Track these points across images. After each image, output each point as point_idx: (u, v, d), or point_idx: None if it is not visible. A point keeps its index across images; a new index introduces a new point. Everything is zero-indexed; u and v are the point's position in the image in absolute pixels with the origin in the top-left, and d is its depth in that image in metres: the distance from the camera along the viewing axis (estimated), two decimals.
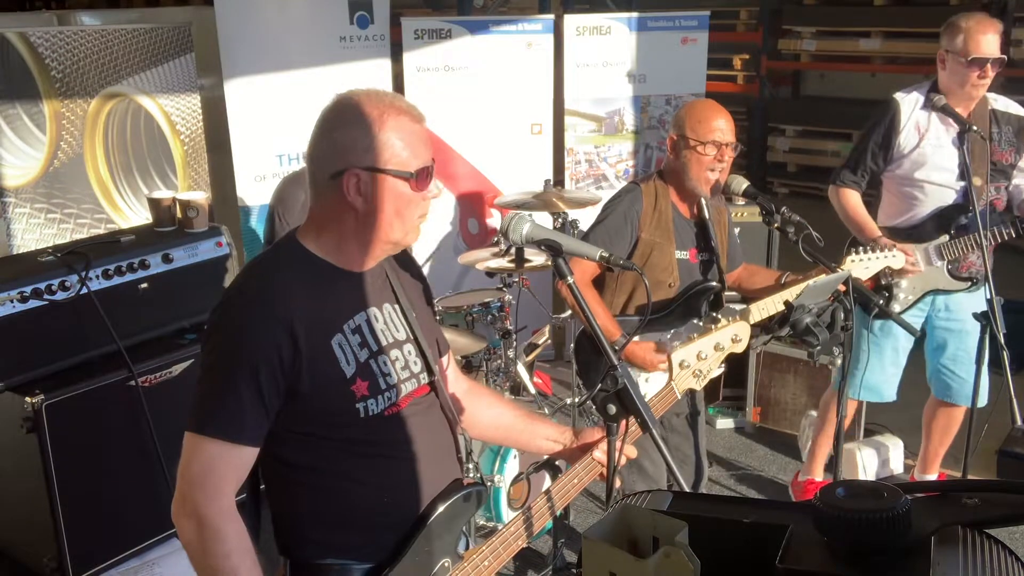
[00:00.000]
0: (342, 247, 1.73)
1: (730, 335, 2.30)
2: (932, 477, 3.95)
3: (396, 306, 1.83)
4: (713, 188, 2.92)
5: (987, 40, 3.33)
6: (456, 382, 2.06)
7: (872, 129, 3.49)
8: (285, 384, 1.63)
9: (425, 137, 1.72)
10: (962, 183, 3.45)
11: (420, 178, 1.69)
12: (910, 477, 4.07)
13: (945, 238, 3.44)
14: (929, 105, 3.37)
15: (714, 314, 2.40)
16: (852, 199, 3.54)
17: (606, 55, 5.39)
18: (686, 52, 5.51)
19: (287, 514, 1.77)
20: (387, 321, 1.79)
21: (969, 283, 3.52)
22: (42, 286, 2.50)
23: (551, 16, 5.47)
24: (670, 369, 2.20)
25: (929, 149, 3.42)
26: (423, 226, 1.80)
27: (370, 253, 1.75)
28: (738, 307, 2.96)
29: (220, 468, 1.61)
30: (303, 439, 1.70)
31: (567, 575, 3.38)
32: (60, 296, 2.53)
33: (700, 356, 2.23)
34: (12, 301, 2.43)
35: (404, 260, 1.93)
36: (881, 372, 3.64)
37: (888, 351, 3.61)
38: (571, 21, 5.34)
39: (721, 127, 2.87)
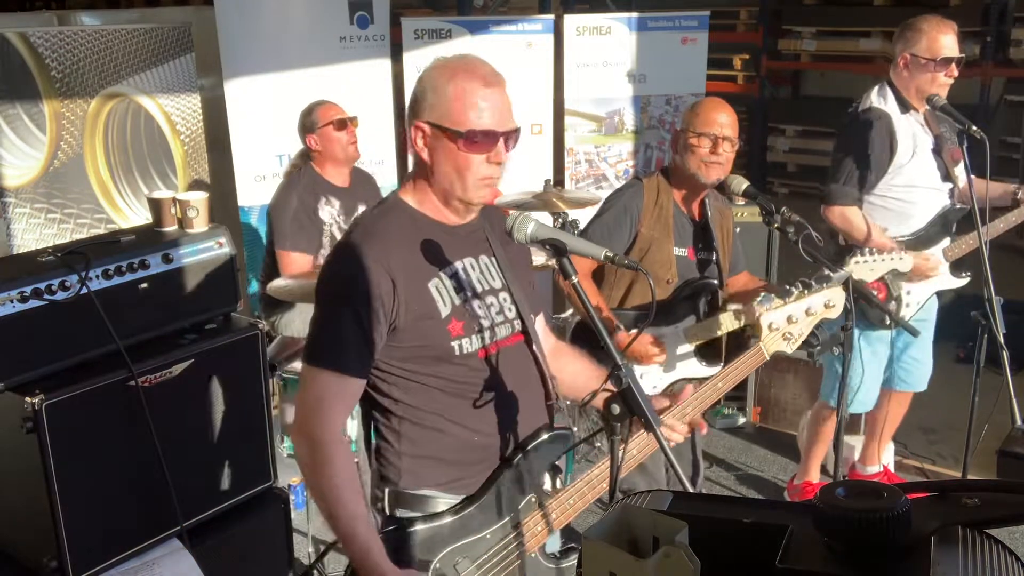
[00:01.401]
0: (428, 200, 1.87)
1: (823, 300, 2.27)
2: (876, 470, 3.99)
3: (492, 258, 1.95)
4: (710, 172, 2.90)
5: (950, 40, 3.37)
6: (545, 339, 2.15)
7: (870, 141, 3.40)
8: (387, 322, 1.78)
9: (495, 103, 1.79)
10: (948, 184, 3.47)
11: (469, 139, 1.78)
12: (849, 472, 4.07)
13: (947, 240, 3.45)
14: (930, 105, 3.36)
15: (806, 279, 2.38)
16: (862, 218, 3.43)
17: (606, 55, 5.38)
18: (686, 52, 5.51)
19: (387, 446, 1.91)
20: (483, 271, 1.92)
21: (968, 277, 3.53)
22: (42, 286, 2.49)
23: (551, 16, 5.47)
24: (759, 331, 2.23)
25: (922, 155, 3.43)
26: None
27: (448, 206, 1.88)
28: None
29: (330, 396, 1.78)
30: (401, 376, 1.84)
31: None
32: (60, 296, 2.52)
33: (791, 319, 2.22)
34: (12, 301, 2.43)
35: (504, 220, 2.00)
36: (873, 383, 3.65)
37: (875, 363, 3.61)
38: (571, 21, 5.34)
39: (720, 121, 2.88)
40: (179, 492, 2.68)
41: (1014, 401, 3.05)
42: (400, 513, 1.89)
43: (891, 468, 4.10)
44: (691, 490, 2.66)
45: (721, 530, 1.18)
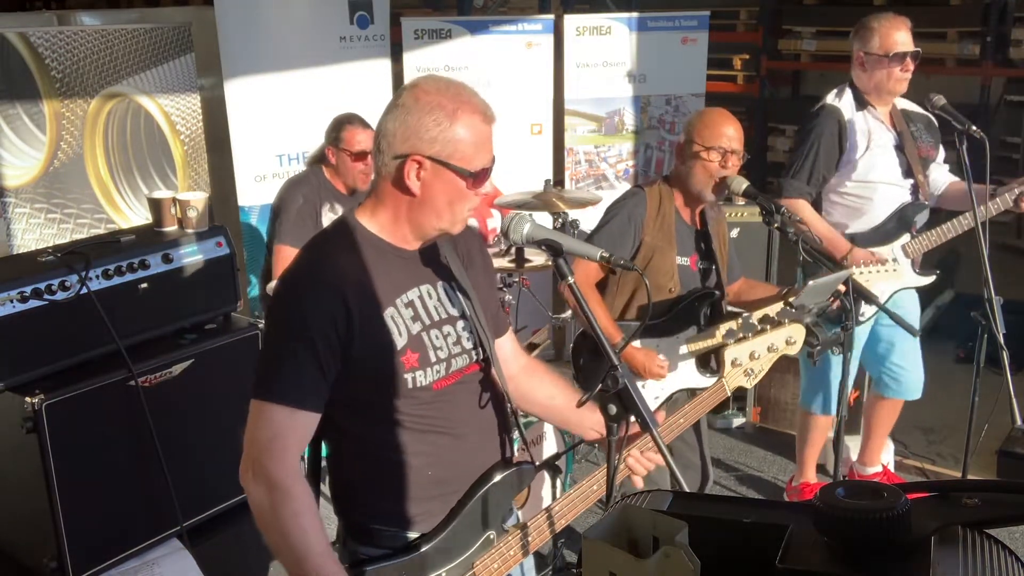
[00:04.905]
0: (395, 227, 1.81)
1: (784, 337, 2.30)
2: (876, 470, 3.99)
3: (452, 283, 1.89)
4: (716, 189, 2.92)
5: (903, 35, 3.43)
6: (515, 358, 2.12)
7: (818, 137, 3.48)
8: (341, 352, 1.72)
9: (490, 138, 1.79)
10: (910, 180, 3.49)
11: (478, 178, 1.77)
12: (848, 472, 4.07)
13: (907, 237, 3.46)
14: (929, 106, 3.36)
15: (771, 315, 2.41)
16: (810, 211, 3.50)
17: (606, 55, 5.39)
18: (686, 52, 5.51)
19: (342, 479, 1.87)
20: (441, 298, 1.86)
21: (934, 276, 3.54)
22: (42, 286, 2.49)
23: (551, 16, 5.46)
24: (721, 366, 2.24)
25: (877, 151, 3.47)
26: None
27: (419, 236, 1.83)
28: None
29: (285, 432, 1.69)
30: (355, 408, 1.78)
31: (567, 575, 3.37)
32: (60, 296, 2.52)
33: (753, 356, 2.24)
34: (12, 301, 2.43)
35: (469, 239, 1.99)
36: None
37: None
38: (571, 21, 5.34)
39: (729, 135, 2.88)
40: (179, 492, 2.68)
41: (1014, 401, 3.06)
42: (352, 546, 1.85)
43: (891, 468, 4.10)
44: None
45: (721, 530, 1.18)
